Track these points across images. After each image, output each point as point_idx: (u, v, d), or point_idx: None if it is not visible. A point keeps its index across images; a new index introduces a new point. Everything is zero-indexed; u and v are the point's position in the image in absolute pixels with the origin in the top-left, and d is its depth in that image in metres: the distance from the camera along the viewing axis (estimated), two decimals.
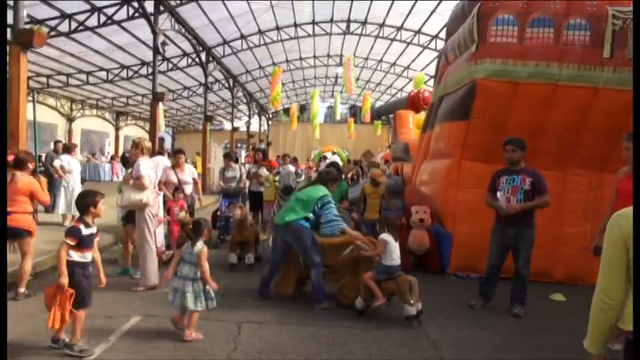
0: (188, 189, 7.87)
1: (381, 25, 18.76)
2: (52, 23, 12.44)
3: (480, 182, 5.84)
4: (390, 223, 5.06)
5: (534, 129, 6.32)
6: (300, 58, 23.10)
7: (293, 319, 4.79)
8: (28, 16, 9.75)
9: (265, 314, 4.89)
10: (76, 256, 3.76)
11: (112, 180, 22.26)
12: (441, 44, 17.39)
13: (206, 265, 4.14)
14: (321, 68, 25.62)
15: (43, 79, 19.11)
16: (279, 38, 18.59)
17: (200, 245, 4.20)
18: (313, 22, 18.32)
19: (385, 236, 4.92)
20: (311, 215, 5.20)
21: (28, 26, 7.49)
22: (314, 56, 23.12)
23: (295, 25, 18.08)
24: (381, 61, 23.87)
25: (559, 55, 6.24)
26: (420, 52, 20.53)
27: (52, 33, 11.99)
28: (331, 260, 5.36)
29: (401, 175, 10.24)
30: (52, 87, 20.17)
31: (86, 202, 3.95)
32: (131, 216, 5.99)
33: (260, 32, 17.92)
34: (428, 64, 21.15)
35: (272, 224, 7.23)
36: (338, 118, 34.40)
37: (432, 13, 16.42)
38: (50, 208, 9.30)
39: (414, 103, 14.49)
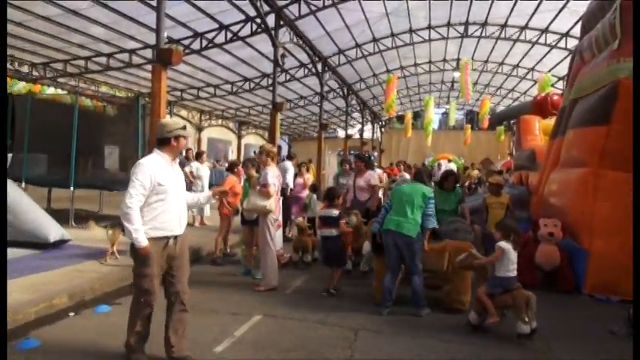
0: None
1: (503, 26, 17.72)
2: (186, 42, 13.77)
3: (622, 193, 5.21)
4: (512, 230, 4.68)
5: None
6: (415, 64, 22.71)
7: (410, 329, 4.68)
8: (167, 37, 10.86)
9: (382, 322, 4.84)
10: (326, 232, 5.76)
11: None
12: (572, 43, 15.95)
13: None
14: (436, 74, 24.94)
15: (178, 93, 21.11)
16: (393, 45, 18.47)
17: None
18: (429, 27, 17.91)
19: (503, 244, 4.57)
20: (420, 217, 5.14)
21: (167, 46, 8.31)
22: (429, 61, 22.59)
23: (410, 30, 17.84)
24: (502, 63, 22.55)
25: None
26: (547, 52, 19.01)
27: (187, 51, 13.26)
28: (434, 265, 5.24)
29: (525, 185, 9.53)
30: (185, 100, 22.19)
31: (337, 193, 6.08)
32: (251, 218, 6.35)
33: (374, 40, 17.97)
34: (556, 65, 19.49)
35: None
36: (453, 124, 33.18)
37: (561, 9, 15.13)
38: None
39: (540, 107, 13.39)
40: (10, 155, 11.19)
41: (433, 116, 27.73)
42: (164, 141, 3.62)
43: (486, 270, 4.87)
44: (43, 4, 10.75)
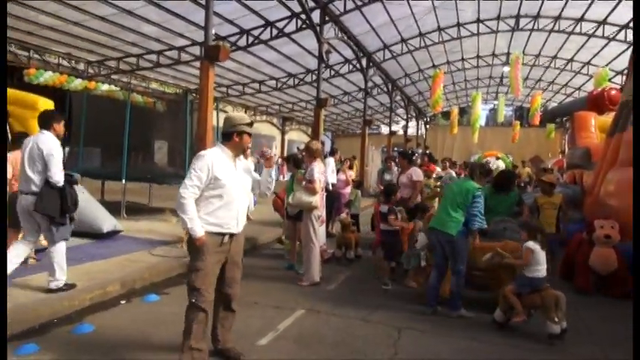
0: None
1: (557, 18, 16.99)
2: (233, 39, 14.00)
3: None
4: (538, 230, 4.63)
5: None
6: (462, 59, 22.16)
7: (454, 329, 4.57)
8: (214, 34, 11.08)
9: (426, 321, 4.75)
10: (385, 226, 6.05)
11: (279, 179, 24.13)
12: (632, 35, 15.11)
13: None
14: (484, 69, 24.24)
15: (224, 89, 21.52)
16: (440, 39, 18.10)
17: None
18: (478, 21, 17.42)
19: (532, 244, 4.49)
20: (464, 216, 4.97)
21: (214, 43, 8.46)
22: (477, 56, 21.98)
23: (458, 24, 17.41)
24: (555, 57, 21.64)
25: None
26: (605, 45, 18.09)
27: (233, 48, 13.49)
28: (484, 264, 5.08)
29: (579, 184, 9.09)
30: (231, 96, 22.62)
31: (393, 189, 6.50)
32: (296, 213, 6.38)
33: (421, 35, 17.66)
34: (614, 59, 18.54)
35: None
36: (501, 120, 32.16)
37: (620, 0, 14.34)
38: None
39: (596, 103, 12.75)
40: (66, 149, 11.75)
41: (480, 112, 26.93)
42: (227, 135, 3.47)
43: (514, 268, 4.75)
44: (99, 4, 11.19)
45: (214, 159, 3.34)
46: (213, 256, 3.35)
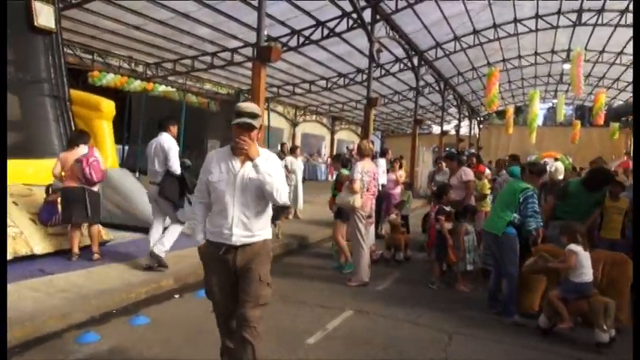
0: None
1: (624, 12, 15.99)
2: (284, 40, 14.16)
3: None
4: (578, 232, 4.39)
5: None
6: (519, 56, 21.32)
7: (505, 335, 4.42)
8: (266, 35, 11.25)
9: (478, 326, 4.60)
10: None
11: (327, 179, 24.22)
12: None
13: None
14: (542, 66, 23.22)
15: (275, 89, 21.82)
16: (495, 36, 17.50)
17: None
18: (536, 17, 16.69)
19: (574, 247, 4.29)
20: (516, 216, 4.78)
21: (266, 44, 8.57)
22: (535, 53, 21.09)
23: (515, 20, 16.75)
24: (621, 53, 20.39)
25: None
26: None
27: (284, 48, 13.63)
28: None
29: None
30: (281, 96, 22.90)
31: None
32: (339, 213, 6.35)
33: (475, 32, 17.15)
34: None
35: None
36: (561, 120, 30.74)
37: None
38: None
39: None
40: (126, 148, 12.30)
41: (538, 111, 25.81)
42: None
43: (558, 273, 4.53)
44: (157, 8, 11.64)
45: (214, 159, 2.87)
46: (213, 267, 2.90)
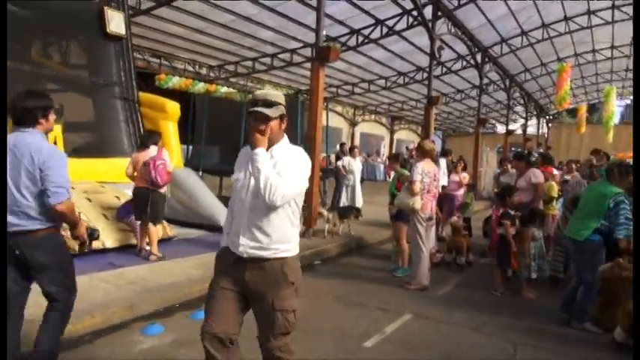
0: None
1: None
2: (343, 39, 14.13)
3: None
4: None
5: None
6: (593, 50, 20.00)
7: (578, 349, 4.11)
8: (325, 35, 11.27)
9: (545, 337, 4.33)
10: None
11: (386, 179, 23.95)
12: None
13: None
14: (620, 60, 21.63)
15: (334, 89, 21.85)
16: (566, 30, 16.51)
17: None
18: (613, 7, 15.57)
19: None
20: (604, 222, 4.39)
21: (325, 44, 8.59)
22: (611, 46, 19.68)
23: (589, 12, 15.71)
24: None
25: None
26: None
27: (343, 48, 13.60)
28: None
29: None
30: (340, 96, 22.90)
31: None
32: (399, 215, 6.23)
33: (544, 25, 16.26)
34: None
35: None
36: None
37: None
38: (336, 202, 10.48)
39: None
40: (190, 147, 12.76)
41: (615, 109, 24.13)
42: None
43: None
44: (218, 11, 11.99)
45: (240, 157, 2.53)
46: (222, 276, 2.46)
